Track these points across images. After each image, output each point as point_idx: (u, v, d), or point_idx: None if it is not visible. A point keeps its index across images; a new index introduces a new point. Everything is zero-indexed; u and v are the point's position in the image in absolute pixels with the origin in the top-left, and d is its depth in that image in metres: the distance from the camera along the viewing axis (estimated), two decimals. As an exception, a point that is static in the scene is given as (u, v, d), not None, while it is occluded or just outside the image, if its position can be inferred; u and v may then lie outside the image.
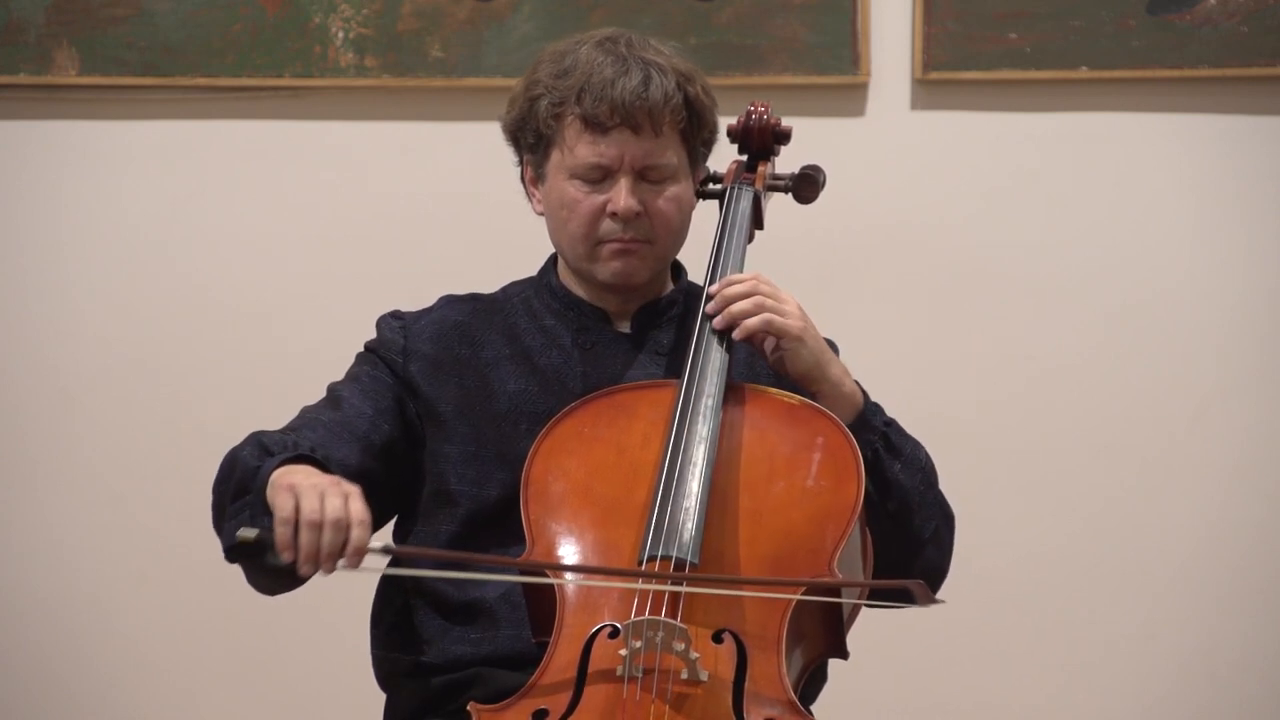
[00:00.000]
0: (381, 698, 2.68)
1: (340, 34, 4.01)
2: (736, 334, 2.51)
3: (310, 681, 4.02)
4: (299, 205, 4.07)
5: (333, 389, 2.65)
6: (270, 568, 2.32)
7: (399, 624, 2.62)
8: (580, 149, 2.57)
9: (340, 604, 3.99)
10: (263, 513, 2.34)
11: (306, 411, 2.62)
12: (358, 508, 2.28)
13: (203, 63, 4.02)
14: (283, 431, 2.55)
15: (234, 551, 2.40)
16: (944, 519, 2.59)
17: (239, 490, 2.43)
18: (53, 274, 4.07)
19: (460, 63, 4.02)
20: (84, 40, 4.01)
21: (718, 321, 2.52)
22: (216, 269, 4.07)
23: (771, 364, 2.55)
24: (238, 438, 3.99)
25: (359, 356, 2.70)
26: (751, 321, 2.50)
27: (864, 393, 2.56)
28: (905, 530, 2.53)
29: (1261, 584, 4.03)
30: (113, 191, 4.06)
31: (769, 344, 2.52)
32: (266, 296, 4.07)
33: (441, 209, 4.06)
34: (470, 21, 4.01)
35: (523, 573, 2.40)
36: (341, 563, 2.27)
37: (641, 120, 2.56)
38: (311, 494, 2.27)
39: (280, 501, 2.28)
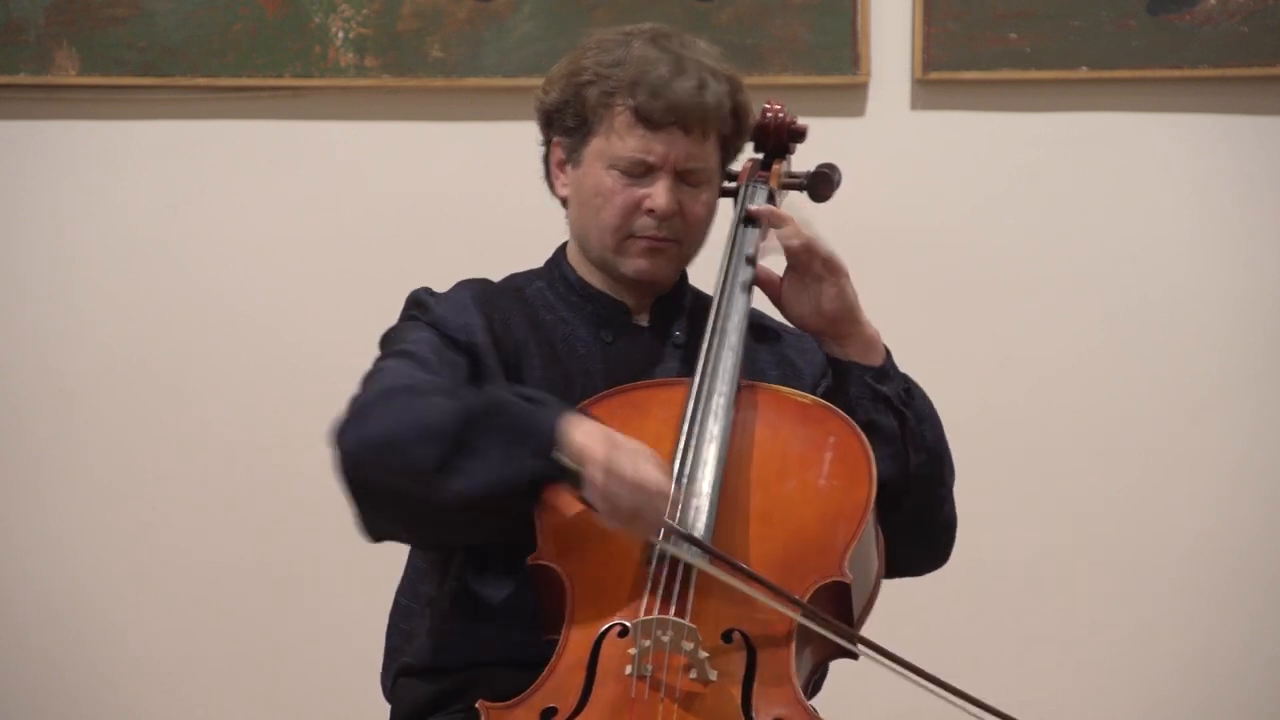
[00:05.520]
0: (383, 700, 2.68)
1: (340, 34, 4.01)
2: (794, 244, 2.53)
3: (311, 682, 4.02)
4: (299, 205, 4.06)
5: (406, 352, 2.52)
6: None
7: (414, 631, 2.61)
8: (630, 141, 2.54)
9: (342, 603, 4.01)
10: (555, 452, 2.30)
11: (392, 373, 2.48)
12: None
13: (203, 63, 4.02)
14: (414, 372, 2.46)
15: (542, 480, 2.33)
16: (952, 474, 2.62)
17: (506, 424, 2.33)
18: (53, 274, 4.06)
19: (460, 63, 4.01)
20: (84, 40, 4.00)
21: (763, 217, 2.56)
22: (216, 269, 4.06)
23: (793, 304, 2.57)
24: (238, 437, 4.04)
25: (414, 324, 2.58)
26: (797, 243, 2.53)
27: None
28: (937, 472, 2.56)
29: (1261, 584, 4.04)
30: (113, 191, 4.06)
31: (808, 277, 2.55)
32: (266, 296, 4.06)
33: (441, 209, 4.05)
34: (470, 21, 4.00)
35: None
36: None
37: (694, 123, 2.55)
38: (630, 455, 2.28)
39: (613, 458, 2.28)
